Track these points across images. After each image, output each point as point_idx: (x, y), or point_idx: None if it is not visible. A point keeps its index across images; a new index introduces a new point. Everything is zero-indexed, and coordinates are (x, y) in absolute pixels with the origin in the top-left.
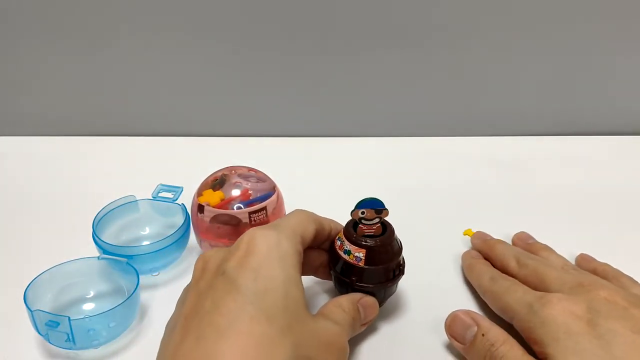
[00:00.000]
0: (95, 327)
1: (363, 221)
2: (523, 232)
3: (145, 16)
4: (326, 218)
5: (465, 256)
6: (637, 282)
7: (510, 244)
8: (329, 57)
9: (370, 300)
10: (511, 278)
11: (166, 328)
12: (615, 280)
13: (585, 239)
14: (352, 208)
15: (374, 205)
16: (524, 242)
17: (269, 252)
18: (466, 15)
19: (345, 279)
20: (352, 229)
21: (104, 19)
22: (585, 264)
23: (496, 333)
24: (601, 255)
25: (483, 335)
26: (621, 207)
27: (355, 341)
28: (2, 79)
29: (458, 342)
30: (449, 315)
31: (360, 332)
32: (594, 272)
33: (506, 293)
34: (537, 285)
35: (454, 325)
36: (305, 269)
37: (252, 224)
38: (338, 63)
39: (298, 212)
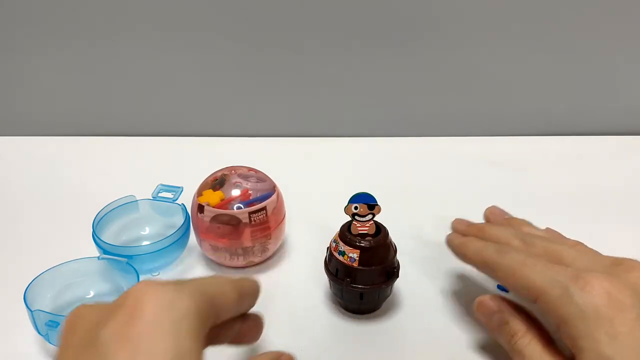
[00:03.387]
0: None
1: (356, 217)
2: (494, 206)
3: (145, 16)
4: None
5: (451, 237)
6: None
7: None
8: (329, 58)
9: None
10: (521, 249)
11: None
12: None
13: (584, 238)
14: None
15: (366, 200)
16: (501, 217)
17: (157, 317)
18: (466, 15)
19: (339, 280)
20: (347, 230)
21: (104, 19)
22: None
23: (516, 323)
24: None
25: (506, 323)
26: (621, 207)
27: (350, 343)
28: (1, 79)
29: (487, 326)
30: (475, 300)
31: None
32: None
33: (525, 267)
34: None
35: (480, 311)
36: (223, 338)
37: (252, 223)
38: (338, 63)
39: (215, 275)
